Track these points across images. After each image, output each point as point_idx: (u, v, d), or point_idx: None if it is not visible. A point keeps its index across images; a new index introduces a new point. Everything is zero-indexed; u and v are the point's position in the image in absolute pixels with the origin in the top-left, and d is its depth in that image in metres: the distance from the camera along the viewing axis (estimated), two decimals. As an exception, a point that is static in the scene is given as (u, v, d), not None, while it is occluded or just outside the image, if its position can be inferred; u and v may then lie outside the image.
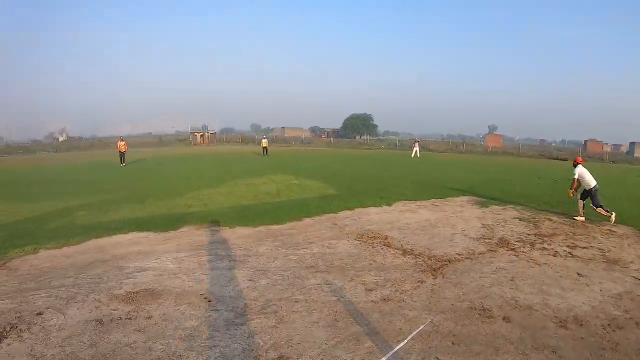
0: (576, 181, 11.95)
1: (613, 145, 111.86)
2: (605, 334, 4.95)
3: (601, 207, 11.61)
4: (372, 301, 5.71)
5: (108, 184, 19.49)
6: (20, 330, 5.00)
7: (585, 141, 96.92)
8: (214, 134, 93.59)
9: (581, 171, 11.95)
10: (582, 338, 4.83)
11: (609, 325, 5.18)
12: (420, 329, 4.95)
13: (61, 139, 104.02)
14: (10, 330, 4.98)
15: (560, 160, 47.64)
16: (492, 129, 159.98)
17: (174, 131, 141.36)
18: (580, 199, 11.93)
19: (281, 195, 14.91)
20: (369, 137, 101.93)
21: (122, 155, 29.92)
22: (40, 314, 5.41)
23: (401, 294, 5.96)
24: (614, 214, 11.49)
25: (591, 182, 11.77)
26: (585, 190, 11.93)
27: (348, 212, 11.91)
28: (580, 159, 12.48)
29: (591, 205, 11.76)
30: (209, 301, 5.78)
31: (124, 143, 30.21)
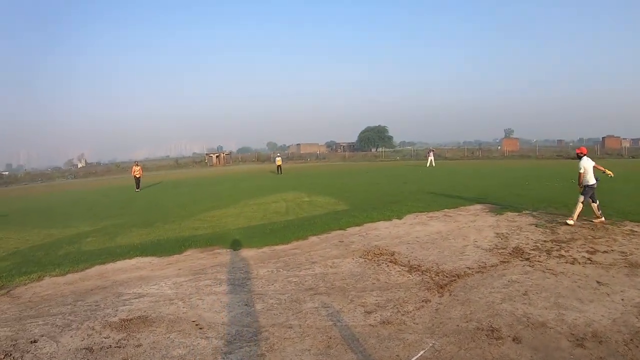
0: (582, 175, 11.12)
1: (632, 139, 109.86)
2: (627, 351, 4.47)
3: (582, 205, 10.96)
4: (370, 325, 5.32)
5: (119, 208, 19.77)
6: (14, 358, 4.97)
7: (603, 138, 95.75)
8: (229, 154, 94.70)
9: (586, 164, 11.14)
10: (601, 358, 4.36)
11: (631, 340, 4.69)
12: (419, 355, 4.54)
13: (80, 165, 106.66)
14: (4, 358, 4.96)
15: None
16: (508, 132, 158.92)
17: (190, 153, 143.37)
18: (592, 201, 11.13)
19: (290, 214, 14.63)
20: (384, 149, 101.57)
21: (137, 180, 29.88)
22: (34, 341, 5.38)
23: (402, 315, 5.55)
24: (573, 222, 10.87)
25: (591, 179, 11.06)
26: (585, 185, 11.14)
27: (356, 228, 11.52)
28: (585, 149, 11.66)
29: (579, 197, 11.10)
30: (200, 328, 5.53)
31: (138, 168, 30.30)
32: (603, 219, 10.98)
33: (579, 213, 10.97)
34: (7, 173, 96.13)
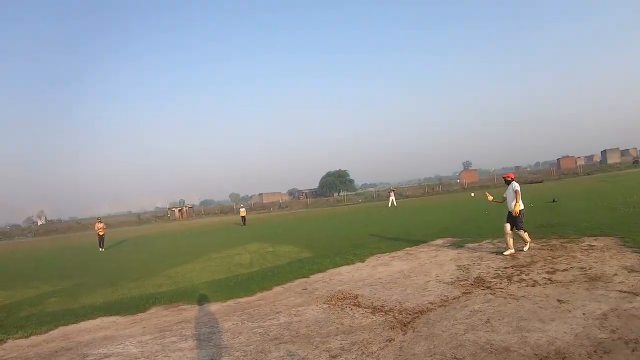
0: (519, 194, 11.10)
1: (585, 157, 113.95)
2: (590, 364, 4.55)
3: (526, 231, 11.18)
4: (335, 369, 5.26)
5: (82, 268, 19.27)
6: None
7: (558, 159, 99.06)
8: (191, 207, 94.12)
9: (518, 187, 11.26)
10: (564, 375, 4.42)
11: (594, 351, 4.76)
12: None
13: (40, 223, 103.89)
14: None
15: (535, 183, 48.06)
16: (467, 165, 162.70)
17: (152, 207, 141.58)
18: (514, 229, 11.20)
19: (254, 265, 14.44)
20: (346, 193, 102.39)
21: (100, 239, 28.39)
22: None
23: (367, 356, 5.49)
24: (529, 243, 11.17)
25: (520, 203, 11.19)
26: (510, 212, 11.25)
27: (320, 275, 11.41)
28: (512, 175, 11.94)
29: (515, 229, 11.15)
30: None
31: (102, 225, 28.95)
32: (514, 250, 11.06)
33: (528, 235, 11.20)
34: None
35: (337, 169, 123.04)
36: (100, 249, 27.82)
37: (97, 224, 29.34)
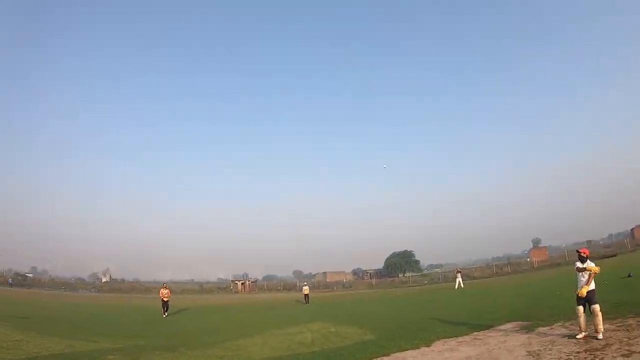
0: (593, 276, 10.43)
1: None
2: None
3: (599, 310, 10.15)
4: None
5: (143, 329, 19.89)
6: None
7: (632, 229, 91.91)
8: (254, 281, 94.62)
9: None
10: None
11: None
12: None
13: (104, 279, 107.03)
14: None
15: (608, 257, 45.21)
16: (536, 242, 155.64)
17: (215, 278, 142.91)
18: (583, 310, 10.43)
19: (315, 345, 14.38)
20: (412, 274, 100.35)
21: (164, 304, 28.63)
22: None
23: None
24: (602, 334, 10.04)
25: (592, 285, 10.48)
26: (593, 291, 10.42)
27: (384, 359, 11.12)
28: (587, 251, 11.07)
29: (589, 307, 10.26)
30: None
31: (167, 291, 29.39)
32: (587, 333, 10.38)
33: (602, 319, 10.26)
34: (31, 275, 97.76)
35: (403, 249, 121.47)
36: (164, 315, 28.10)
37: (162, 290, 29.81)
